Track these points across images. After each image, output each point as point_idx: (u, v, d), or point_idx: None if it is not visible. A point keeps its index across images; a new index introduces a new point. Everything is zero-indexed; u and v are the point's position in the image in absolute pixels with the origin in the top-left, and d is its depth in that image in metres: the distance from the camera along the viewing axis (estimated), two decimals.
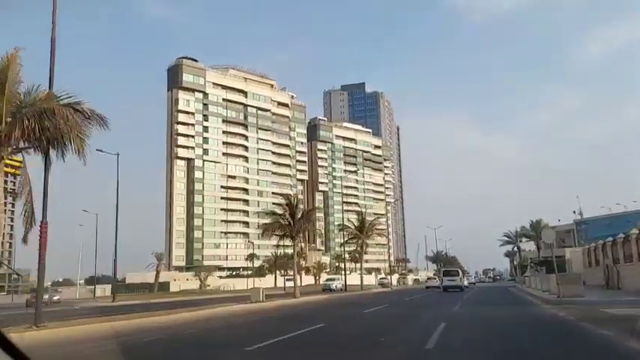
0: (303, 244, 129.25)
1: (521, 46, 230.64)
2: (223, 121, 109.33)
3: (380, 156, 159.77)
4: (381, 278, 68.82)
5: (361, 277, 49.23)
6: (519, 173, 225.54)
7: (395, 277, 78.82)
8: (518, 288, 43.39)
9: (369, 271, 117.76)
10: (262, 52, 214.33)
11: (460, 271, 47.17)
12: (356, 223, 48.80)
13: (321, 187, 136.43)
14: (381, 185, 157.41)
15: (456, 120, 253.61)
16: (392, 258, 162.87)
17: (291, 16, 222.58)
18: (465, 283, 47.62)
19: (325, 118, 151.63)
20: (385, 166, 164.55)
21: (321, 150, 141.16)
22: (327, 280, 57.80)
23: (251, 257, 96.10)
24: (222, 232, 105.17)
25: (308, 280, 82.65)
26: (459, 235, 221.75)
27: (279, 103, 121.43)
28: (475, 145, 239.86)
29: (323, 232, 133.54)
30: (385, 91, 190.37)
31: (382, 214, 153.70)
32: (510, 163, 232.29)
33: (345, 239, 51.49)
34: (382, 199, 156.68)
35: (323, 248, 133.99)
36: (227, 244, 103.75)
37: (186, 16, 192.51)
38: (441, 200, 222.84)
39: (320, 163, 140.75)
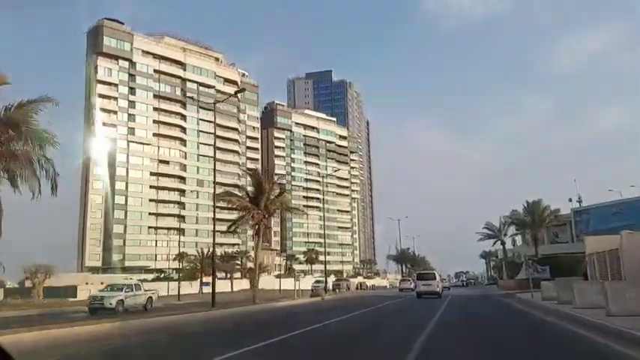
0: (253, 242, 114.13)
1: (496, 51, 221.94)
2: (155, 96, 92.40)
3: (346, 147, 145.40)
4: (314, 282, 51.43)
5: (251, 283, 32.70)
6: (496, 175, 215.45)
7: (331, 281, 59.67)
8: (526, 301, 24.13)
9: (329, 273, 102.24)
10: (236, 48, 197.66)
11: (437, 274, 41.74)
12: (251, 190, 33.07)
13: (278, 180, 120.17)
14: (347, 180, 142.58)
15: (431, 122, 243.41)
16: (357, 259, 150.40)
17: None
18: (440, 287, 38.69)
19: (283, 103, 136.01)
20: (352, 159, 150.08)
21: (278, 138, 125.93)
22: (102, 290, 28.97)
23: (180, 257, 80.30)
24: (150, 227, 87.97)
25: (243, 284, 66.21)
26: (431, 237, 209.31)
27: (226, 80, 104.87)
28: (449, 147, 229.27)
29: (279, 229, 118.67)
30: (354, 81, 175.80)
31: (346, 211, 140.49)
32: (487, 165, 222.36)
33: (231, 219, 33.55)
34: (347, 195, 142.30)
35: (279, 248, 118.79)
36: (156, 242, 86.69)
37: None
38: (413, 201, 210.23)
39: (277, 152, 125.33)
